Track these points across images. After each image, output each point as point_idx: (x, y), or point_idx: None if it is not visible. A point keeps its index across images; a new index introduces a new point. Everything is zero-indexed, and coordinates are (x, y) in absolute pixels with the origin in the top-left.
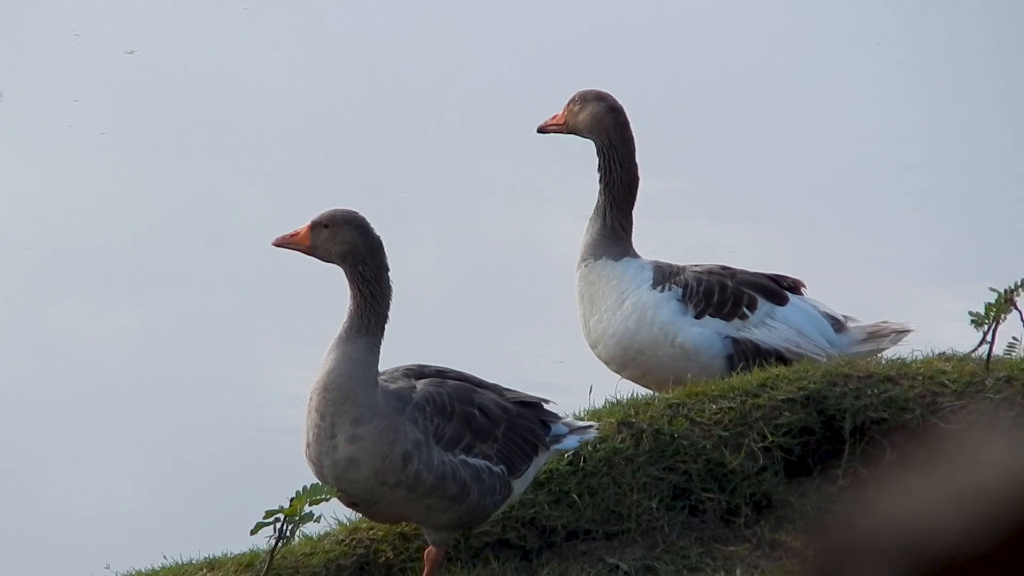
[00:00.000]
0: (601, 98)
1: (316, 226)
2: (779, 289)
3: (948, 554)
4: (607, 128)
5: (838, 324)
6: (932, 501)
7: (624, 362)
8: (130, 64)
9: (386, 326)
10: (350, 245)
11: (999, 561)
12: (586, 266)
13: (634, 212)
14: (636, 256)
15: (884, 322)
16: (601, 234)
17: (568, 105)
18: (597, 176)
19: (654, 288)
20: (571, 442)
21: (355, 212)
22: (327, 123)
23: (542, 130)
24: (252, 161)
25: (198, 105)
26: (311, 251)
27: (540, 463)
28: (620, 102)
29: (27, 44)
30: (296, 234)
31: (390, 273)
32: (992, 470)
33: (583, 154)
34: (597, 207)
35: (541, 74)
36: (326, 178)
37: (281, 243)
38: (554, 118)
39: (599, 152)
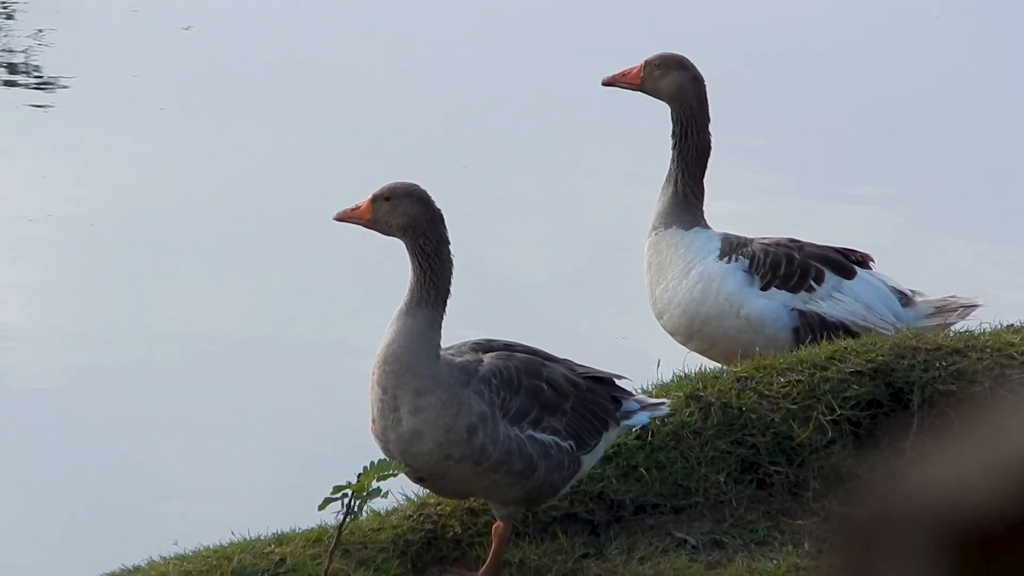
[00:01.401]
0: (684, 66)
1: (377, 199)
2: (847, 262)
3: (984, 522)
4: (690, 97)
5: (905, 298)
6: (968, 468)
7: (690, 333)
8: (187, 39)
9: (447, 299)
10: (411, 218)
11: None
12: (656, 234)
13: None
14: (706, 227)
15: (952, 296)
16: (672, 202)
17: (647, 67)
18: (671, 143)
19: (721, 259)
20: (642, 418)
21: (416, 185)
22: (386, 96)
23: (610, 83)
24: (311, 135)
25: (255, 79)
26: (372, 224)
27: (611, 439)
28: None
29: (85, 20)
30: (357, 208)
31: (450, 247)
32: (1006, 431)
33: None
34: (669, 174)
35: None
36: (386, 152)
37: (342, 217)
38: (626, 74)
39: (676, 120)
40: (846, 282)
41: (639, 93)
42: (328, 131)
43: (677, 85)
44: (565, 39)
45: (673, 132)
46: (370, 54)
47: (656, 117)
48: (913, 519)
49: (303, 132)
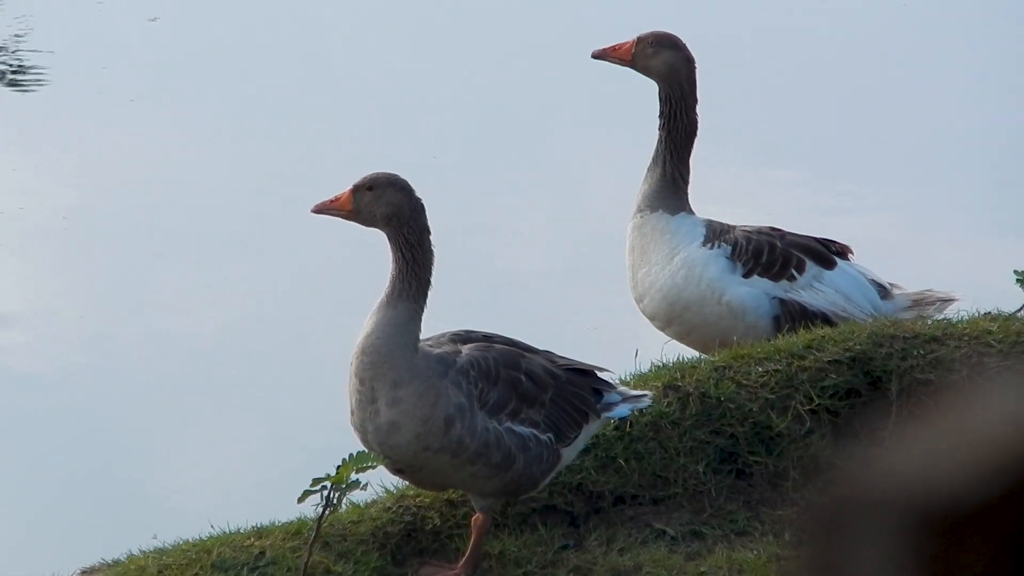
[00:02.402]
0: (677, 46)
1: (359, 189)
2: (827, 253)
3: (951, 505)
4: (681, 78)
5: (884, 291)
6: (936, 452)
7: (669, 318)
8: (153, 31)
9: (428, 291)
10: (395, 207)
11: (1002, 512)
12: (641, 217)
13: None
14: (691, 212)
15: (929, 290)
16: (660, 184)
17: (639, 43)
18: (658, 123)
19: (704, 245)
20: (623, 410)
21: (397, 175)
22: (353, 85)
23: (600, 56)
24: (285, 125)
25: (223, 71)
26: (353, 216)
27: (591, 431)
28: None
29: (53, 11)
30: (337, 199)
31: (431, 237)
32: (996, 420)
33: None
34: (656, 155)
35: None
36: (359, 142)
37: (321, 209)
38: (617, 49)
39: (665, 100)
40: (826, 272)
41: (628, 70)
42: (304, 121)
43: (669, 65)
44: (557, 26)
45: (661, 112)
46: (348, 42)
47: (648, 100)
48: (880, 503)
49: (276, 122)
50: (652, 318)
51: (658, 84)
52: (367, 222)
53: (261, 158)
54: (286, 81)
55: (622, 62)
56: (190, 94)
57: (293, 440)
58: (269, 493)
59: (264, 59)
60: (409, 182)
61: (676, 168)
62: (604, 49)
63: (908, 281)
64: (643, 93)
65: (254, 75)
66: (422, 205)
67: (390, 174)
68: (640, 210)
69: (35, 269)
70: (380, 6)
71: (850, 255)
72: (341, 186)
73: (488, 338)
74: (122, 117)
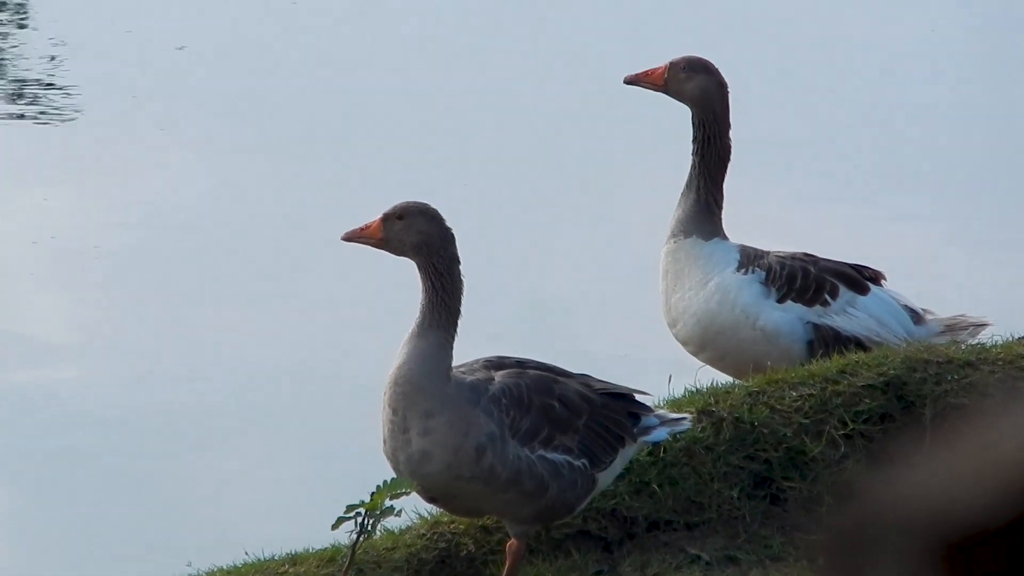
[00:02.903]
0: (709, 71)
1: (389, 218)
2: (861, 278)
3: (972, 526)
4: (714, 103)
5: (916, 316)
6: (962, 476)
7: (703, 343)
8: (181, 59)
9: (459, 320)
10: (425, 236)
11: (1020, 535)
12: (675, 242)
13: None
14: (725, 237)
15: (962, 315)
16: (694, 209)
17: (671, 68)
18: (691, 148)
19: (738, 270)
20: (661, 434)
21: (427, 204)
22: (385, 112)
23: (632, 82)
24: (314, 153)
25: (251, 98)
26: (383, 244)
27: (628, 455)
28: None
29: (81, 41)
30: (367, 228)
31: (460, 266)
32: (1017, 443)
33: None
34: (689, 180)
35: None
36: (392, 170)
37: (351, 237)
38: (649, 74)
39: (699, 125)
40: (860, 298)
41: (661, 95)
42: (336, 148)
43: (702, 89)
44: (593, 51)
45: (695, 137)
46: (379, 69)
47: (682, 125)
48: (906, 526)
49: (307, 149)
50: (685, 343)
51: (691, 109)
52: (397, 251)
53: (292, 186)
54: (315, 108)
55: (655, 87)
56: (219, 122)
57: (327, 468)
58: (303, 520)
59: (292, 86)
60: (439, 211)
61: (710, 193)
62: (637, 75)
63: (941, 306)
64: (677, 118)
65: (282, 102)
66: (452, 234)
67: (420, 203)
68: (674, 235)
69: (68, 300)
70: (411, 33)
71: (883, 281)
72: (373, 214)
73: (521, 364)
74: (152, 146)
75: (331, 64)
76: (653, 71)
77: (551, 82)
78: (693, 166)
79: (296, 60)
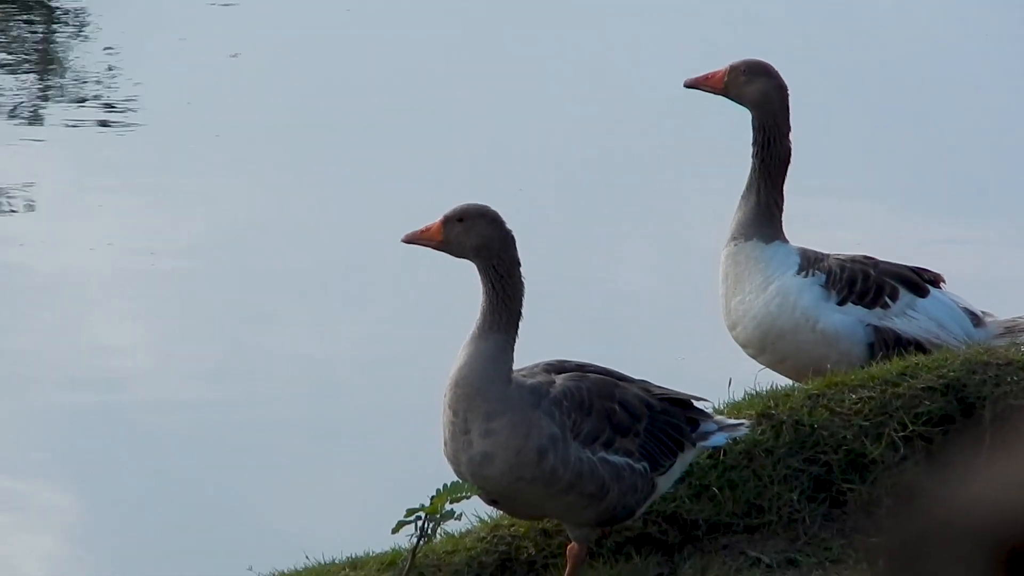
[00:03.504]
0: (770, 74)
1: (449, 221)
2: (920, 281)
3: None
4: (774, 105)
5: (976, 319)
6: (1016, 477)
7: (763, 346)
8: (235, 67)
9: (519, 322)
10: (485, 239)
11: None
12: (735, 245)
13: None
14: (785, 240)
15: (1021, 317)
16: (755, 212)
17: (732, 72)
18: (752, 151)
19: (799, 273)
20: (719, 439)
21: (488, 206)
22: (428, 117)
23: (692, 85)
24: (369, 158)
25: (306, 104)
26: (443, 246)
27: (687, 460)
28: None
29: (137, 50)
30: (428, 230)
31: (521, 268)
32: None
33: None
34: (750, 183)
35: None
36: (452, 173)
37: (412, 239)
38: (709, 78)
39: (759, 128)
40: (919, 300)
41: (721, 98)
42: (394, 152)
43: (762, 92)
44: (651, 55)
45: (755, 140)
46: (427, 74)
47: (742, 128)
48: (964, 530)
49: (365, 152)
50: (745, 346)
51: (751, 112)
52: (457, 253)
53: (348, 191)
54: (372, 112)
55: (715, 90)
56: (274, 128)
57: (389, 472)
58: (364, 524)
59: (348, 91)
60: (500, 214)
61: (770, 195)
62: (697, 78)
63: (998, 309)
64: (737, 121)
65: (338, 107)
66: (512, 237)
67: (481, 205)
68: (734, 238)
69: (127, 305)
70: (466, 37)
71: (942, 284)
72: (431, 218)
73: (582, 367)
74: (208, 152)
75: (386, 69)
76: (713, 75)
77: (610, 87)
78: (753, 169)
79: (350, 65)
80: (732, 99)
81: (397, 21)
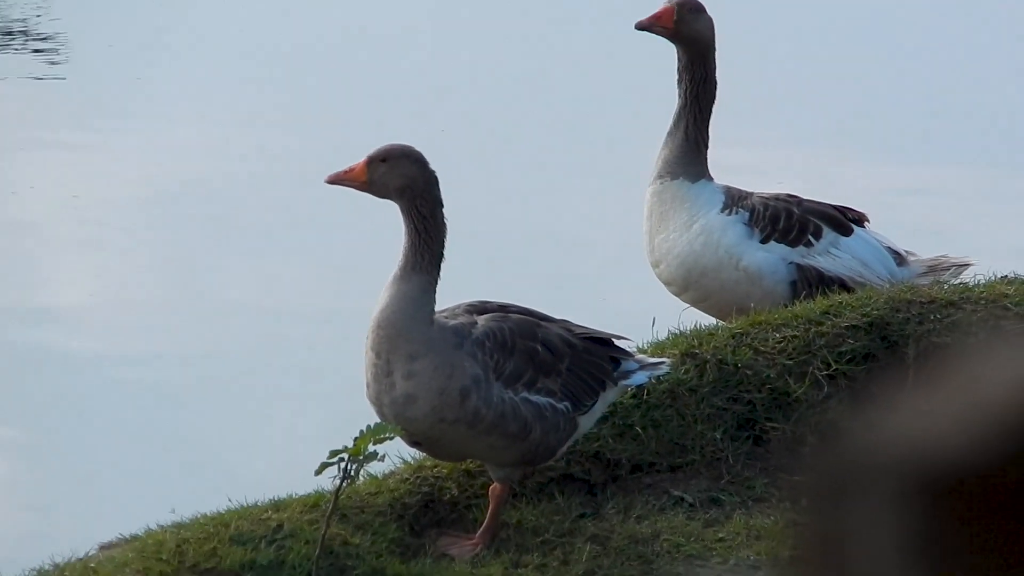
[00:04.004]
0: (705, 10)
1: (373, 161)
2: (844, 220)
3: (954, 467)
4: (712, 38)
5: (899, 258)
6: (940, 417)
7: (686, 284)
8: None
9: (441, 263)
10: (409, 179)
11: (1007, 477)
12: (661, 183)
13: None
14: (711, 179)
15: (944, 256)
16: (682, 149)
17: (679, 9)
18: (683, 88)
19: (723, 211)
20: (640, 378)
21: (412, 147)
22: (365, 62)
23: (645, 27)
24: (312, 102)
25: (233, 49)
26: (367, 187)
27: (609, 399)
28: None
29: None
30: (351, 170)
31: (444, 210)
32: (1006, 384)
33: None
34: (677, 120)
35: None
36: (380, 122)
37: (335, 180)
38: (660, 17)
39: (694, 63)
40: (843, 239)
41: (645, 35)
42: (321, 96)
43: (709, 27)
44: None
45: (694, 77)
46: (373, 26)
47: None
48: (884, 467)
49: (307, 99)
50: (668, 283)
51: (687, 49)
52: (381, 193)
53: (295, 137)
54: (306, 52)
55: (665, 30)
56: (203, 72)
57: (312, 414)
58: (287, 466)
59: (273, 33)
60: (423, 154)
61: (698, 132)
62: (648, 19)
63: (925, 248)
64: (652, 59)
65: (262, 50)
66: (436, 177)
67: (404, 146)
68: (660, 176)
69: (89, 255)
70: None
71: (866, 223)
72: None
73: (504, 308)
74: (132, 97)
75: (317, 10)
76: (661, 14)
77: (545, 24)
78: (682, 106)
79: (274, 6)
80: (680, 38)
81: None
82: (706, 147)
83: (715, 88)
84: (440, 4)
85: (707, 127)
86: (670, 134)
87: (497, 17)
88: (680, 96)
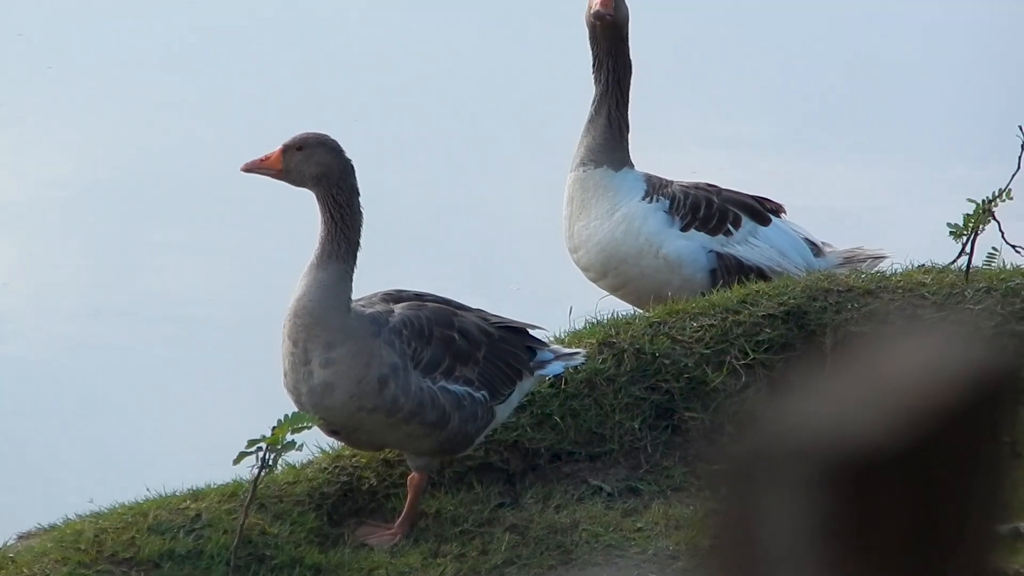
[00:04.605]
0: None
1: (288, 149)
2: (762, 210)
3: (869, 453)
4: (627, 22)
5: (816, 248)
6: (854, 404)
7: (605, 270)
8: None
9: (358, 252)
10: (324, 167)
11: (915, 460)
12: (584, 171)
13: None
14: (632, 166)
15: (859, 248)
16: (605, 136)
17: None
18: (603, 75)
19: (644, 199)
20: (556, 367)
21: (327, 135)
22: (293, 43)
23: (601, 17)
24: (209, 90)
25: (142, 36)
26: (283, 175)
27: (525, 388)
28: None
29: None
30: (267, 158)
31: (360, 198)
32: (914, 369)
33: None
34: (598, 106)
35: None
36: (304, 110)
37: (251, 168)
38: (605, 4)
39: (613, 49)
40: (761, 228)
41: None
42: (238, 84)
43: (627, 11)
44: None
45: (607, 64)
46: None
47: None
48: (793, 453)
49: (207, 85)
50: (586, 270)
51: (613, 34)
52: (296, 182)
53: (208, 127)
54: (222, 39)
55: (610, 18)
56: (121, 64)
57: (232, 402)
58: (205, 455)
59: (188, 23)
60: (339, 142)
61: (621, 118)
62: (603, 6)
63: (844, 239)
64: (566, 45)
65: (176, 40)
66: (352, 166)
67: (320, 134)
68: (583, 164)
69: (2, 248)
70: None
71: (783, 213)
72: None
73: (420, 296)
74: (42, 85)
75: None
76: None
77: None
78: (603, 92)
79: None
80: (616, 24)
81: None
82: (627, 131)
83: (630, 70)
84: None
85: (626, 111)
86: (591, 121)
87: (415, 3)
88: (600, 83)
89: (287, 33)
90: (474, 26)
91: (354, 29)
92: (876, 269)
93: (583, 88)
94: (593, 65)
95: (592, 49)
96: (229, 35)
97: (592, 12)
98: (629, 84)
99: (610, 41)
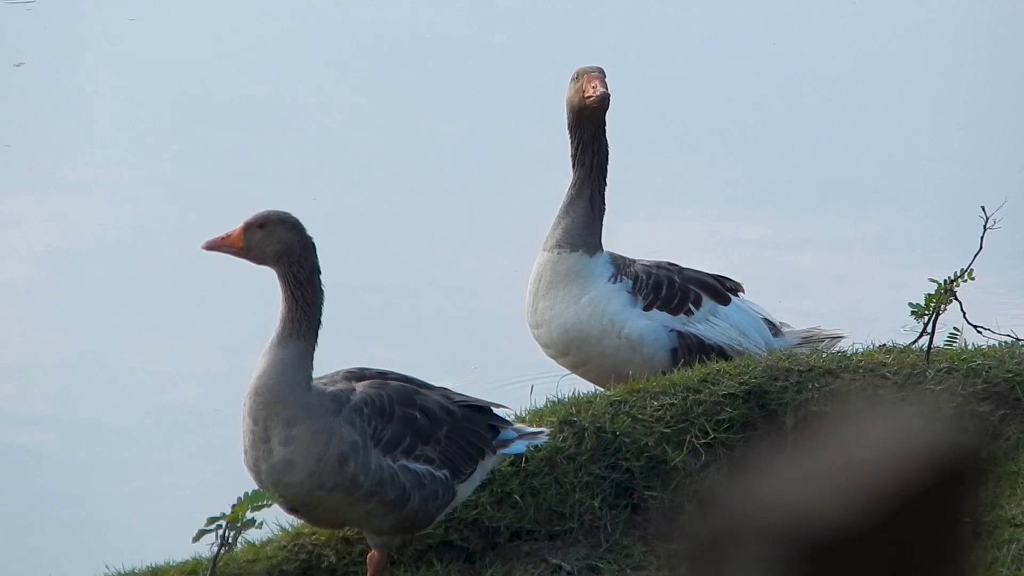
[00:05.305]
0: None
1: (250, 227)
2: (722, 289)
3: (831, 533)
4: (606, 109)
5: (774, 328)
6: (814, 481)
7: (566, 348)
8: (19, 76)
9: (319, 330)
10: (286, 245)
11: (880, 540)
12: (559, 253)
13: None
14: (602, 249)
15: (817, 328)
16: (585, 220)
17: (598, 80)
18: (582, 160)
19: (609, 280)
20: (519, 447)
21: (288, 213)
22: (260, 116)
23: (597, 102)
24: (204, 173)
25: (95, 114)
26: (244, 253)
27: (487, 467)
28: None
29: None
30: (228, 236)
31: (321, 276)
32: (876, 449)
33: None
34: (580, 189)
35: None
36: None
37: (213, 246)
38: (604, 99)
39: (595, 135)
40: (722, 307)
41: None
42: (207, 154)
43: (607, 97)
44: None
45: (586, 149)
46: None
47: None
48: (759, 532)
49: (181, 157)
50: (547, 346)
51: (597, 119)
52: (258, 259)
53: (172, 205)
54: (193, 120)
55: (600, 104)
56: (85, 141)
57: (190, 480)
58: (165, 534)
59: (158, 97)
60: (300, 220)
61: (602, 201)
62: (601, 94)
63: (802, 317)
64: (533, 121)
65: (156, 119)
66: (313, 244)
67: (281, 212)
68: (559, 246)
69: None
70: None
71: (742, 292)
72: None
73: (383, 375)
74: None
75: (197, 65)
76: (605, 92)
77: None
78: (586, 176)
79: (149, 72)
80: (602, 110)
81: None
82: (603, 214)
83: (607, 154)
84: (321, 64)
85: (604, 193)
86: (571, 203)
87: (378, 78)
88: (584, 166)
89: (248, 111)
90: (437, 106)
91: (315, 107)
92: (836, 349)
93: (547, 167)
94: (575, 148)
95: (574, 133)
96: (189, 113)
97: (597, 95)
98: (605, 168)
99: (596, 125)
